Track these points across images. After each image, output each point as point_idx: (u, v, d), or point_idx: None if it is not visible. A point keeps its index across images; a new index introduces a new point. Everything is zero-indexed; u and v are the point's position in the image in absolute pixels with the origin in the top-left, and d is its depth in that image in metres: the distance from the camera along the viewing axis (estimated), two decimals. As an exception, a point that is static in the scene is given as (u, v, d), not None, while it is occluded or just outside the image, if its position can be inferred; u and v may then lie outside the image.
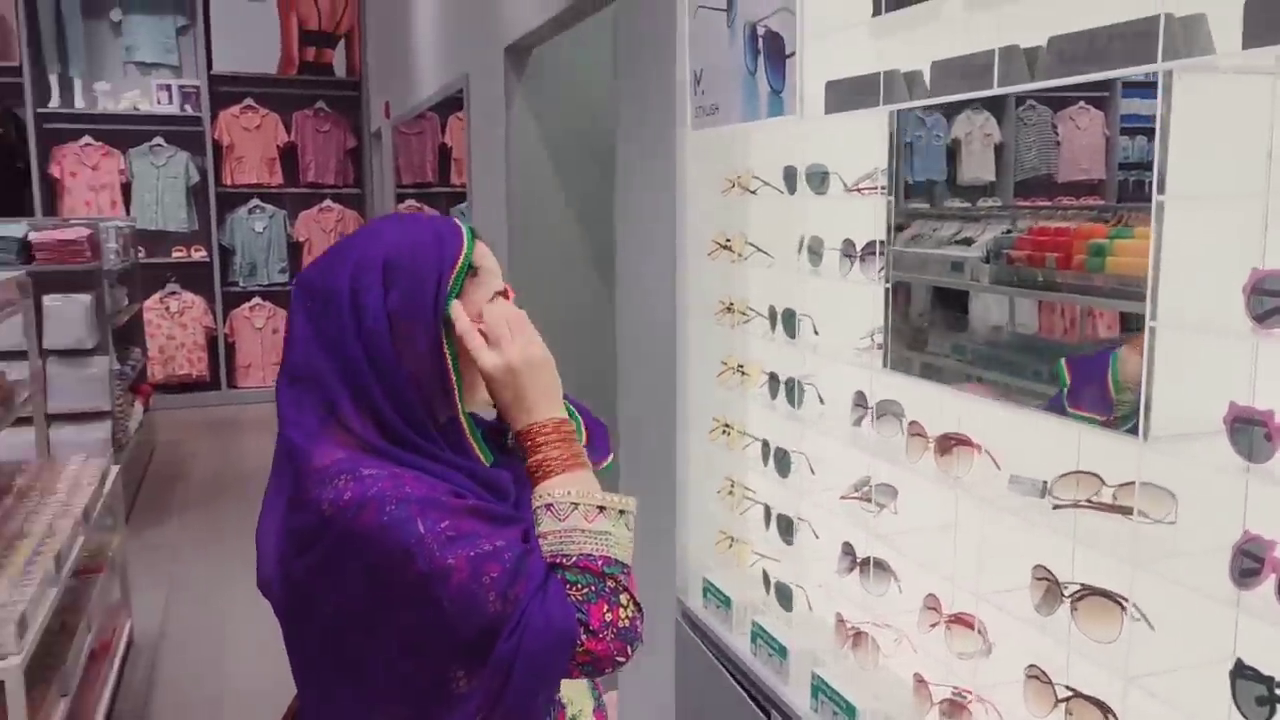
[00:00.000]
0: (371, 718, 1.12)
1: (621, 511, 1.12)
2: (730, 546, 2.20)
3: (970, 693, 1.47)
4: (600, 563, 1.08)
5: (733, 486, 2.17)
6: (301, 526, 1.08)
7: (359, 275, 1.13)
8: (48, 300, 4.97)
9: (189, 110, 8.63)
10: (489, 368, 1.13)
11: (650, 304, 2.47)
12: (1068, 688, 1.27)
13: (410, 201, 8.18)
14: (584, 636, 1.04)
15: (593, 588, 1.06)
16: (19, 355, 3.93)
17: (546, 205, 3.91)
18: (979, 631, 1.44)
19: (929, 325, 1.56)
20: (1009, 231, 1.47)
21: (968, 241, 1.56)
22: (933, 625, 1.53)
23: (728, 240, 2.10)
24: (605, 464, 1.31)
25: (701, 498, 2.28)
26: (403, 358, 1.12)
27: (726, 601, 2.13)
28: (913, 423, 1.54)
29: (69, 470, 3.63)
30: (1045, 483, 1.32)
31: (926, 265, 1.54)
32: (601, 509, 1.11)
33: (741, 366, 2.11)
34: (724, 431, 2.16)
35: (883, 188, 1.58)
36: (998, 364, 1.46)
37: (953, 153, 1.64)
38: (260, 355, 8.94)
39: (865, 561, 1.68)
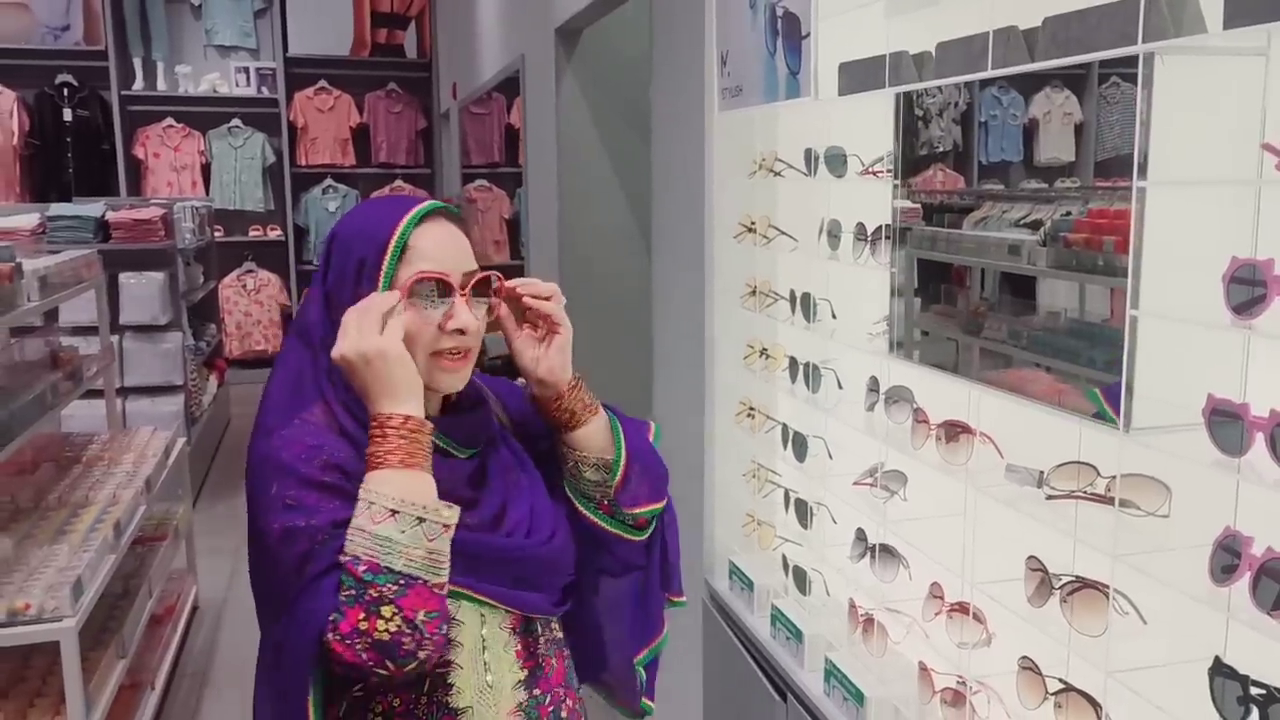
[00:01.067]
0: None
1: (421, 519, 1.08)
2: (755, 530, 2.20)
3: (971, 681, 1.45)
4: (364, 568, 1.05)
5: (757, 470, 2.17)
6: None
7: (323, 249, 1.20)
8: (124, 278, 5.15)
9: (265, 92, 8.83)
10: (332, 359, 1.13)
11: (681, 286, 2.47)
12: (1060, 680, 1.25)
13: (480, 182, 8.29)
14: (331, 637, 1.03)
15: (352, 592, 1.04)
16: (93, 330, 4.10)
17: (595, 184, 3.93)
18: (979, 620, 1.42)
19: (941, 310, 1.54)
20: (1068, 214, 1.44)
21: (1037, 225, 1.53)
22: (936, 613, 1.52)
23: (753, 223, 2.09)
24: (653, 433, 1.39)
25: (728, 480, 2.29)
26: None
27: (749, 584, 2.14)
28: (918, 409, 1.52)
29: (137, 442, 3.78)
30: (1042, 472, 1.30)
31: (961, 247, 1.51)
32: (394, 513, 1.06)
33: (766, 350, 2.10)
34: (749, 414, 2.16)
35: (888, 170, 1.55)
36: (1034, 348, 1.43)
37: (1030, 132, 1.60)
38: (333, 332, 9.14)
39: (876, 548, 1.67)
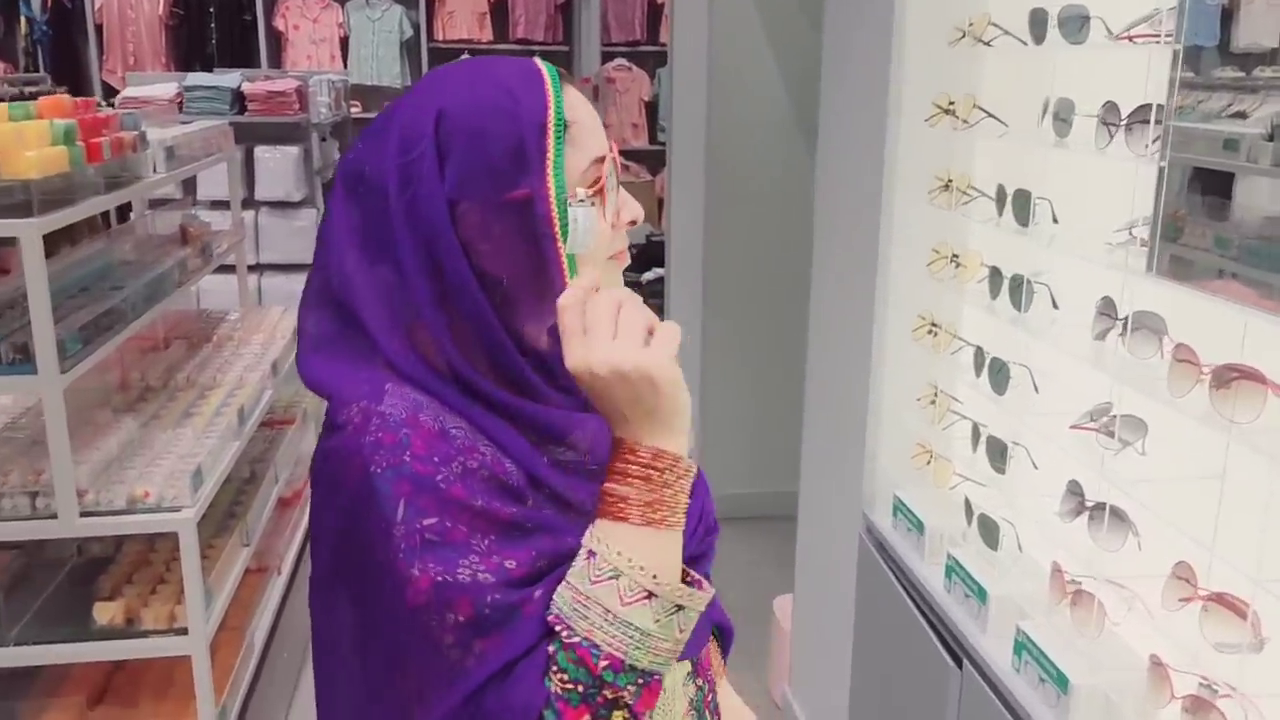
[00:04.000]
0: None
1: (680, 607, 0.82)
2: (929, 463, 1.91)
3: (1219, 685, 1.16)
4: (604, 663, 0.79)
5: (935, 395, 1.87)
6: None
7: (408, 143, 0.85)
8: (259, 151, 5.07)
9: (404, -38, 8.58)
10: (569, 363, 0.83)
11: (854, 175, 2.14)
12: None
13: (620, 61, 7.92)
14: None
15: (580, 688, 0.79)
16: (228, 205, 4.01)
17: (751, 68, 3.55)
18: (1248, 620, 1.12)
19: (1214, 220, 1.19)
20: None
21: (1241, 115, 1.18)
22: (1183, 601, 1.22)
23: (951, 103, 1.74)
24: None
25: (897, 403, 2.00)
26: (482, 258, 0.85)
27: (919, 525, 1.87)
28: (1180, 345, 1.19)
29: (268, 321, 3.69)
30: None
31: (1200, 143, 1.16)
32: (650, 595, 0.81)
33: (957, 256, 1.77)
34: (930, 331, 1.85)
35: (1168, 34, 1.19)
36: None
37: (1228, 13, 1.23)
38: (467, 213, 9.04)
39: (1098, 507, 1.37)
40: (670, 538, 0.83)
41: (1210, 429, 1.13)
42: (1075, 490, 1.43)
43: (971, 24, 1.70)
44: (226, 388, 2.96)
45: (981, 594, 1.62)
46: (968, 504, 1.72)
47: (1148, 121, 1.24)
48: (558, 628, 0.80)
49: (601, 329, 0.81)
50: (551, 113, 0.86)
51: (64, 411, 2.09)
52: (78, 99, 2.64)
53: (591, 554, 0.82)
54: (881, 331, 2.01)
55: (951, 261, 1.79)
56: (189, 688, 2.35)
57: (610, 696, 0.79)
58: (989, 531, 1.65)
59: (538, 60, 0.91)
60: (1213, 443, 1.15)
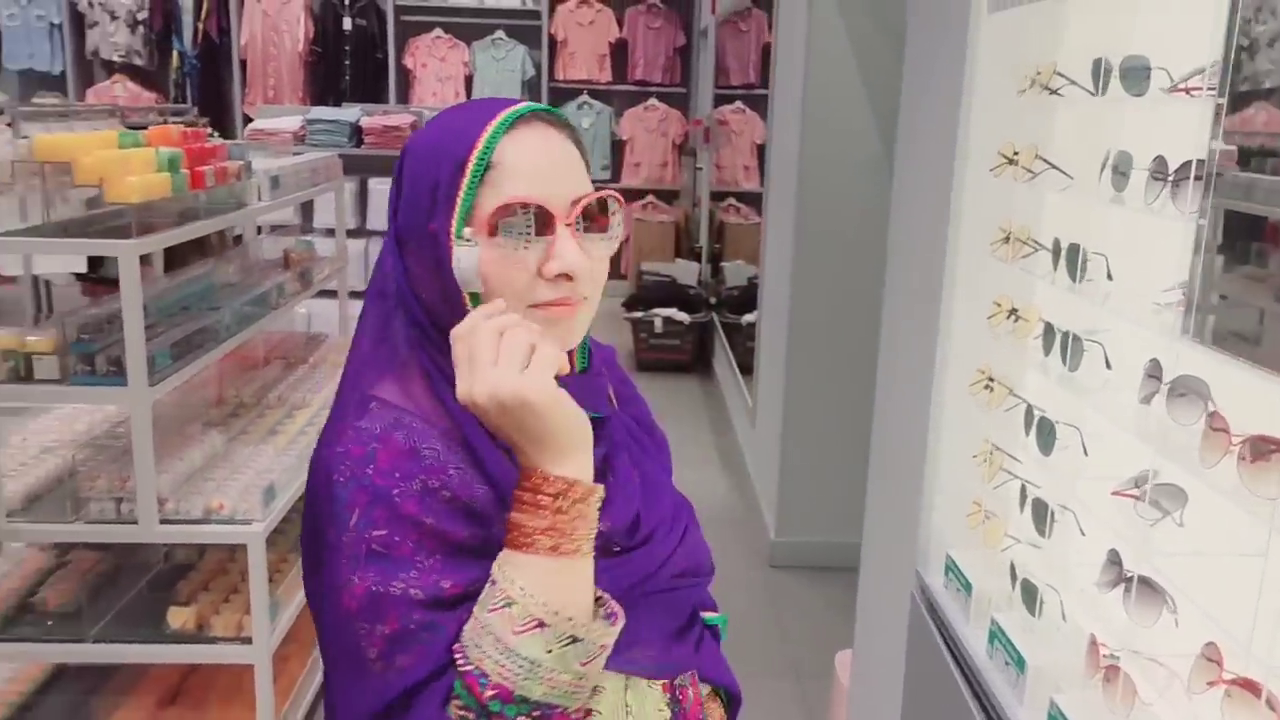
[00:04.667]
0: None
1: (574, 639, 0.80)
2: (983, 522, 1.84)
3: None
4: (491, 693, 0.79)
5: (991, 452, 1.80)
6: None
7: (394, 171, 0.93)
8: (374, 183, 5.28)
9: (529, 4, 8.85)
10: (456, 394, 0.84)
11: (920, 225, 2.10)
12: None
13: (736, 104, 7.96)
14: None
15: (472, 715, 0.79)
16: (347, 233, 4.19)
17: (843, 111, 3.53)
18: (1272, 708, 1.04)
19: (1253, 281, 1.13)
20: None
21: None
22: (1210, 683, 1.14)
23: (1016, 153, 1.69)
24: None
25: (955, 459, 1.94)
26: (414, 283, 0.90)
27: (968, 586, 1.80)
28: (1214, 413, 1.13)
29: (363, 346, 3.82)
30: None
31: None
32: (543, 625, 0.79)
33: (1016, 310, 1.72)
34: (986, 386, 1.79)
35: (1210, 88, 1.14)
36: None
37: None
38: (578, 249, 9.19)
39: (1133, 579, 1.30)
40: (570, 566, 0.82)
41: (1241, 502, 1.07)
42: (1115, 560, 1.36)
43: (1039, 73, 1.66)
44: (314, 408, 3.08)
45: (1020, 663, 1.55)
46: (1012, 568, 1.65)
47: (1188, 178, 1.18)
48: (456, 655, 0.81)
49: (483, 357, 0.81)
50: (474, 153, 0.87)
51: (150, 423, 2.21)
52: (187, 129, 2.80)
53: (493, 582, 0.82)
54: (941, 384, 1.95)
55: (1011, 315, 1.73)
56: (254, 696, 2.43)
57: None
58: (1030, 597, 1.58)
59: (513, 103, 0.93)
60: (1252, 517, 1.08)
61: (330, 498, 0.85)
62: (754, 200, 8.61)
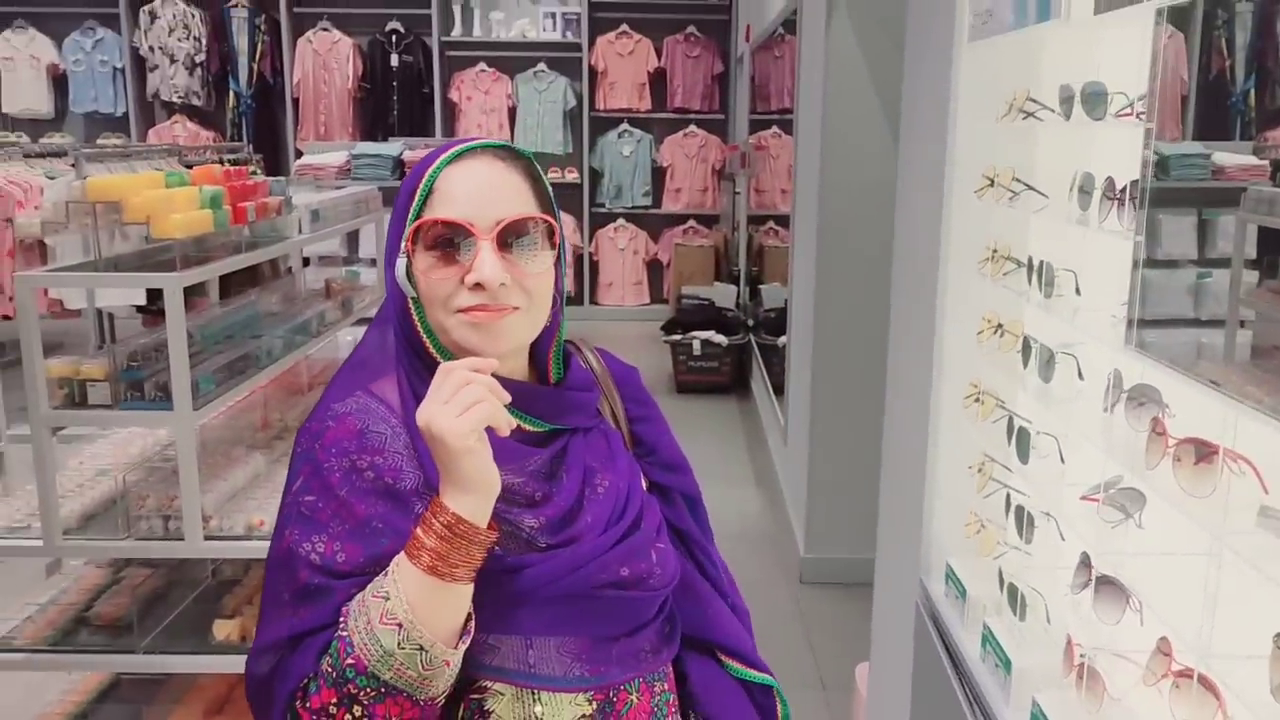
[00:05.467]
0: None
1: (422, 649, 0.93)
2: (979, 531, 1.90)
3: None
4: (350, 660, 0.93)
5: (984, 463, 1.87)
6: None
7: None
8: (416, 214, 5.45)
9: (570, 36, 9.05)
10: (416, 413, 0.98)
11: (916, 245, 2.18)
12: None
13: (775, 129, 8.05)
14: (299, 705, 0.96)
15: (333, 674, 0.94)
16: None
17: (860, 136, 3.61)
18: (1212, 694, 1.10)
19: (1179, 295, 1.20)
20: None
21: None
22: (1162, 675, 1.20)
23: (996, 175, 1.77)
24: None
25: (953, 471, 2.00)
26: (394, 297, 1.04)
27: (963, 593, 1.86)
28: (1156, 419, 1.20)
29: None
30: (1311, 523, 0.96)
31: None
32: (400, 625, 0.93)
33: (1001, 326, 1.79)
34: (977, 399, 1.86)
35: (1140, 113, 1.22)
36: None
37: None
38: (621, 274, 9.33)
39: (1099, 579, 1.36)
40: (442, 588, 0.94)
41: (1178, 503, 1.13)
42: (1085, 562, 1.42)
43: (1015, 98, 1.74)
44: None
45: (1007, 664, 1.61)
46: (1000, 573, 1.72)
47: (1123, 198, 1.26)
48: (341, 618, 0.96)
49: (440, 393, 0.94)
50: (423, 180, 1.02)
51: (195, 444, 2.35)
52: (230, 168, 2.96)
53: (385, 574, 0.96)
54: (938, 398, 2.02)
55: (997, 331, 1.80)
56: (292, 705, 2.55)
57: (352, 691, 0.93)
58: (1015, 601, 1.64)
59: (468, 141, 1.07)
60: (1188, 518, 1.14)
61: (291, 461, 1.04)
62: (783, 223, 8.70)
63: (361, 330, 3.97)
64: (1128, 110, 1.31)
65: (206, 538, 2.43)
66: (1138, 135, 1.27)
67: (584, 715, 1.05)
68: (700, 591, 1.22)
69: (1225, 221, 1.38)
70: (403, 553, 0.96)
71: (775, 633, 3.60)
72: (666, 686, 1.16)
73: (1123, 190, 1.30)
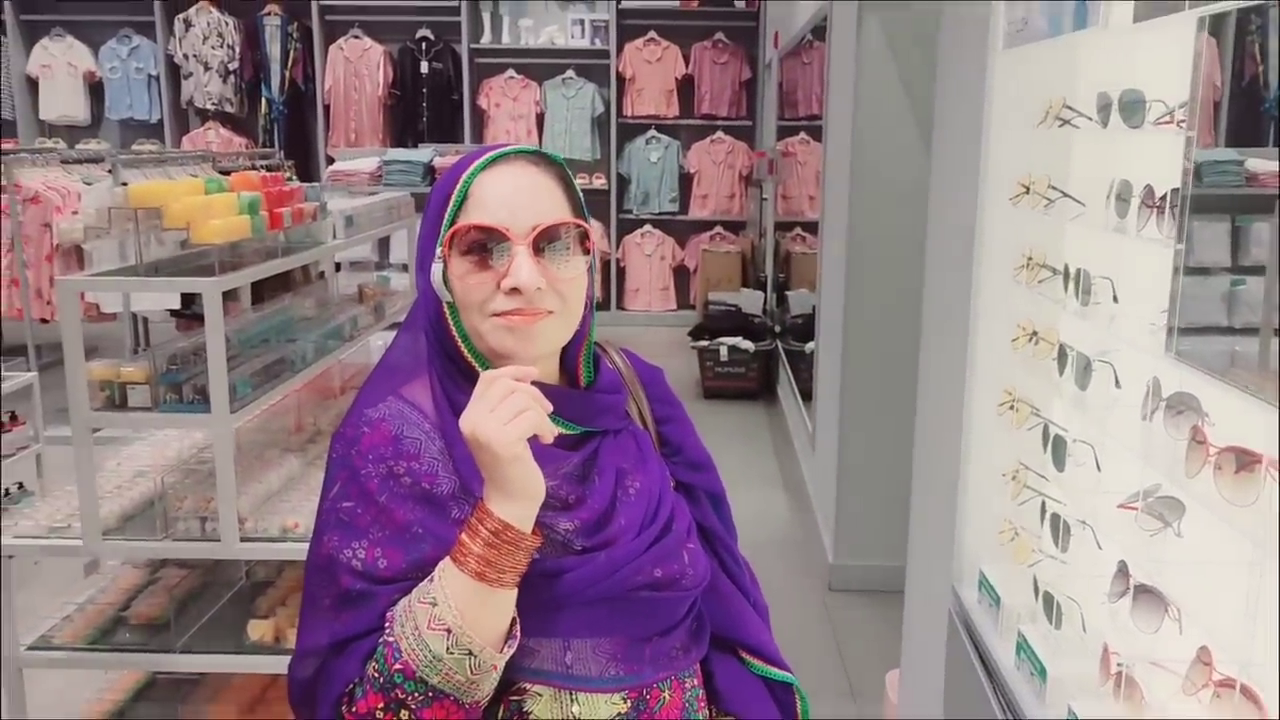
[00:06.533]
0: None
1: (471, 653, 0.94)
2: (1012, 539, 1.90)
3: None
4: (399, 666, 0.94)
5: (1018, 471, 1.86)
6: None
7: None
8: (446, 220, 5.50)
9: (598, 43, 9.09)
10: (460, 422, 0.98)
11: (949, 252, 2.18)
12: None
13: (803, 135, 8.04)
14: (345, 709, 0.97)
15: (380, 679, 0.95)
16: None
17: (891, 141, 3.60)
18: (1254, 703, 1.10)
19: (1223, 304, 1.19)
20: None
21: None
22: (1202, 685, 1.20)
23: (1031, 182, 1.77)
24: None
25: (986, 478, 2.00)
26: (426, 301, 1.06)
27: (997, 600, 1.86)
28: (1196, 427, 1.19)
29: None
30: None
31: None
32: (449, 631, 0.94)
33: (1036, 333, 1.79)
34: (1011, 406, 1.86)
35: (1180, 121, 1.22)
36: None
37: None
38: (648, 280, 9.35)
39: (1137, 588, 1.36)
40: (490, 593, 0.96)
41: (1219, 511, 1.13)
42: (1123, 570, 1.42)
43: (1051, 105, 1.74)
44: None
45: (1043, 673, 1.61)
46: (1035, 581, 1.71)
47: (1163, 205, 1.26)
48: (386, 623, 0.97)
49: (483, 402, 0.95)
50: (458, 186, 1.03)
51: (232, 447, 2.38)
52: (268, 174, 3.00)
53: (431, 579, 0.97)
54: (971, 405, 2.02)
55: (1031, 338, 1.80)
56: (325, 706, 2.57)
57: (400, 696, 0.94)
58: (1050, 609, 1.64)
59: (501, 147, 1.08)
60: (1230, 526, 1.14)
61: (328, 468, 1.05)
62: (812, 229, 8.69)
63: (393, 335, 4.02)
64: (1167, 118, 1.31)
65: (242, 539, 2.46)
66: (1177, 143, 1.27)
67: (619, 714, 1.06)
68: (724, 590, 1.23)
69: (1259, 228, 1.37)
70: (448, 559, 0.97)
71: (804, 640, 3.59)
72: (696, 683, 1.18)
73: (1162, 198, 1.30)
